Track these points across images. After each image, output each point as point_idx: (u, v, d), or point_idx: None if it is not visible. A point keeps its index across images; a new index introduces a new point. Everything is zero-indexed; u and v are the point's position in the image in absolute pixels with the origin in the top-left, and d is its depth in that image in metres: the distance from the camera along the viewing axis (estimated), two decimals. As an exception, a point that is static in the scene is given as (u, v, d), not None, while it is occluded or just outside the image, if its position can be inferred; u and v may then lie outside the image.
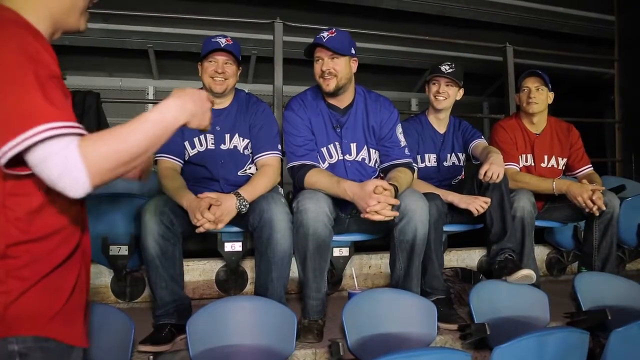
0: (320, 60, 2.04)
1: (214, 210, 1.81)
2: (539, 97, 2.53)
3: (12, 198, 0.89)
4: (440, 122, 2.51)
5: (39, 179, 0.87)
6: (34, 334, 0.89)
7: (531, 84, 2.55)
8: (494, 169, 2.10)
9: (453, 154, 2.52)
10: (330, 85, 2.03)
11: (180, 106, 0.99)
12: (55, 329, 0.92)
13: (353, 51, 2.06)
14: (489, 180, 2.12)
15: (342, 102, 2.13)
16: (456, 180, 2.53)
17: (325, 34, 2.01)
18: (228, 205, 1.86)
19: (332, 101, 2.13)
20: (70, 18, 1.05)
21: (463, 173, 2.57)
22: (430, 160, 2.48)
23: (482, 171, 2.12)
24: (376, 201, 1.76)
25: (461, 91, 2.43)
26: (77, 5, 1.05)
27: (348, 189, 1.86)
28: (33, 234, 0.90)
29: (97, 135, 0.87)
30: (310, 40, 2.06)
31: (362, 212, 1.81)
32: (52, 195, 0.91)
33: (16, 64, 0.85)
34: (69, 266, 0.97)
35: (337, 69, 2.01)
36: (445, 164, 2.50)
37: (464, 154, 2.54)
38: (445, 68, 2.36)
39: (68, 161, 0.82)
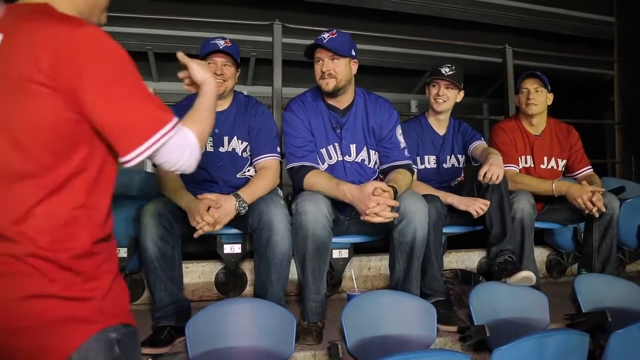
0: (320, 61, 2.04)
1: (212, 213, 1.81)
2: (538, 98, 2.52)
3: (92, 197, 0.95)
4: (440, 124, 2.51)
5: (109, 180, 0.98)
6: (123, 321, 0.97)
7: (530, 85, 2.54)
8: (494, 170, 2.10)
9: (453, 155, 2.52)
10: (329, 85, 2.03)
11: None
12: (130, 316, 1.00)
13: (353, 53, 2.06)
14: (489, 182, 2.12)
15: (341, 103, 2.13)
16: (456, 182, 2.52)
17: (326, 35, 2.01)
18: (227, 207, 1.86)
19: (331, 102, 2.13)
20: (93, 15, 1.09)
21: (463, 175, 2.57)
22: (430, 162, 2.47)
23: (481, 173, 2.12)
24: (375, 203, 1.76)
25: (461, 93, 2.43)
26: (100, 3, 1.10)
27: (347, 191, 1.86)
28: (105, 232, 0.98)
29: (194, 118, 1.07)
30: (309, 42, 2.06)
31: (361, 215, 1.81)
32: (111, 196, 1.01)
33: (128, 67, 0.95)
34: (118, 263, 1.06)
35: (337, 70, 2.01)
36: (444, 165, 2.50)
37: (463, 156, 2.54)
38: (445, 70, 2.36)
39: (191, 145, 1.00)
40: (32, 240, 0.88)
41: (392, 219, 1.81)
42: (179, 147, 0.98)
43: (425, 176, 2.43)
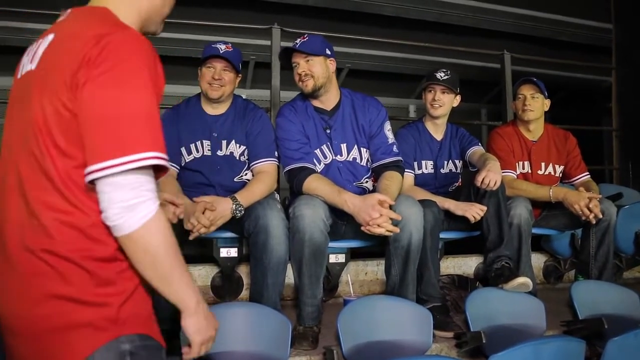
0: (297, 65, 2.07)
1: (207, 215, 1.81)
2: (534, 104, 2.53)
3: None
4: (437, 129, 2.51)
5: None
6: (139, 332, 0.91)
7: (526, 91, 2.55)
8: (491, 176, 2.10)
9: (450, 161, 2.52)
10: (308, 85, 2.05)
11: None
12: (152, 328, 0.95)
13: (328, 52, 2.08)
14: (486, 188, 2.12)
15: (327, 104, 2.14)
16: (453, 187, 2.52)
17: (298, 41, 2.06)
18: (223, 209, 1.86)
19: (317, 104, 2.14)
20: (153, 24, 1.06)
21: (460, 180, 2.57)
22: (428, 167, 2.47)
23: (479, 178, 2.12)
24: (379, 214, 1.76)
25: (458, 98, 2.43)
26: (163, 12, 1.07)
27: (349, 200, 1.86)
28: None
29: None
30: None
31: (362, 225, 1.81)
32: None
33: (144, 74, 0.88)
34: None
35: (312, 70, 2.04)
36: (442, 170, 2.50)
37: (461, 161, 2.54)
38: (440, 75, 2.37)
39: (143, 204, 0.89)
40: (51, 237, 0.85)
41: (392, 232, 1.80)
42: (129, 188, 0.84)
43: (422, 181, 2.43)
